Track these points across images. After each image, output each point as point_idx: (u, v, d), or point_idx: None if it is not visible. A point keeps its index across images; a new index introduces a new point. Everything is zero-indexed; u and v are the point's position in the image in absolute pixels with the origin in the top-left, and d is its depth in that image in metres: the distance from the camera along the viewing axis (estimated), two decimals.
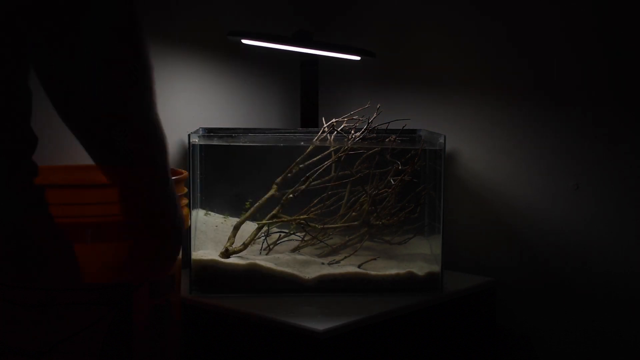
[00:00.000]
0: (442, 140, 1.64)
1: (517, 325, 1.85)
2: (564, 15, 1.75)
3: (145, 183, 0.96)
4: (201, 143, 1.70)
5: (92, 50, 0.90)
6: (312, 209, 1.75)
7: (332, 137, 1.72)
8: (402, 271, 1.65)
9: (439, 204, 1.69)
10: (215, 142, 1.74)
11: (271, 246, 1.73)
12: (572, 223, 1.76)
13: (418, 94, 2.01)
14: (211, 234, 1.73)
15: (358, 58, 1.88)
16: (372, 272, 1.65)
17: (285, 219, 1.71)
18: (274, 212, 1.69)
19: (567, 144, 1.76)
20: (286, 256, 1.68)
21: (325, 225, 1.75)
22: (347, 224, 1.76)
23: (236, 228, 1.68)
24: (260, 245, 1.72)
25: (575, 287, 1.77)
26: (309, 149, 1.72)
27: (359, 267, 1.67)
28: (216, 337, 1.57)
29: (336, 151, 1.71)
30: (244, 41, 1.77)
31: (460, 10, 1.92)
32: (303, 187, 1.70)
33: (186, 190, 1.52)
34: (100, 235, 1.20)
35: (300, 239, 1.76)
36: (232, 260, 1.63)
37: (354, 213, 1.76)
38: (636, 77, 1.66)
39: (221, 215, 1.80)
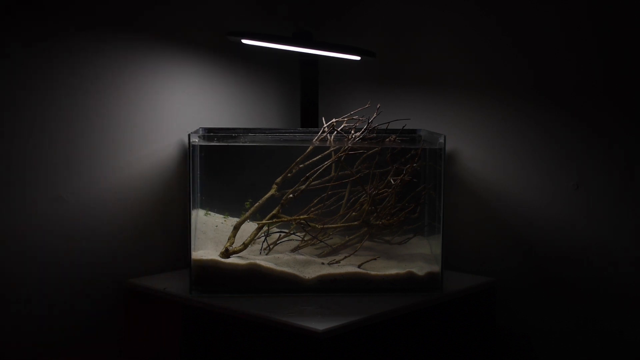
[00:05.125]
0: (442, 140, 1.64)
1: (517, 325, 1.85)
2: (563, 21, 1.75)
3: None
4: (201, 143, 1.70)
5: None
6: (312, 209, 1.75)
7: (332, 137, 1.72)
8: (402, 271, 1.65)
9: (439, 204, 1.69)
10: (215, 142, 1.74)
11: (271, 246, 1.73)
12: (571, 223, 1.76)
13: (418, 94, 2.01)
14: (211, 234, 1.73)
15: (358, 58, 1.88)
16: (372, 272, 1.65)
17: (285, 219, 1.71)
18: (274, 212, 1.69)
19: (566, 144, 1.76)
20: (286, 256, 1.68)
21: (325, 225, 1.75)
22: (347, 224, 1.76)
23: (236, 228, 1.68)
24: (260, 245, 1.72)
25: (575, 286, 1.77)
26: (309, 149, 1.72)
27: (359, 267, 1.67)
28: (216, 337, 1.57)
29: (336, 151, 1.71)
30: (244, 41, 1.77)
31: (461, 11, 1.92)
32: (303, 187, 1.70)
33: None
34: None
35: (300, 239, 1.76)
36: (232, 260, 1.63)
37: (354, 213, 1.76)
38: (632, 79, 1.66)
39: (221, 215, 1.80)
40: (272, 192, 1.70)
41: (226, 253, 1.64)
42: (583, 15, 1.73)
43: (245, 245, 1.66)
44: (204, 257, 1.62)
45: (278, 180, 1.71)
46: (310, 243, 1.75)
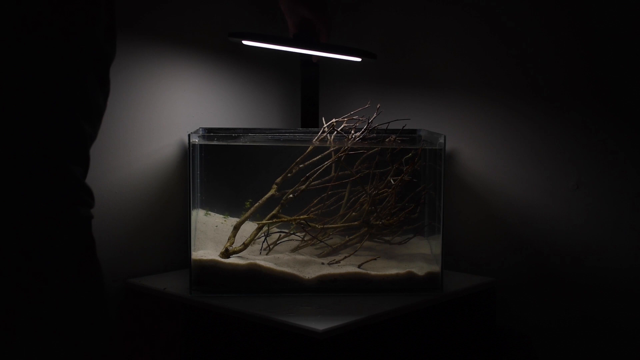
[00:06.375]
0: (442, 140, 1.64)
1: (517, 325, 1.86)
2: (562, 23, 1.75)
3: None
4: (201, 143, 1.70)
5: None
6: (312, 209, 1.75)
7: (332, 137, 1.72)
8: (402, 271, 1.66)
9: (439, 204, 1.69)
10: (215, 142, 1.74)
11: (271, 246, 1.73)
12: (572, 223, 1.76)
13: (418, 94, 2.01)
14: (211, 234, 1.73)
15: (359, 59, 1.88)
16: (372, 272, 1.65)
17: (285, 219, 1.71)
18: (274, 212, 1.69)
19: (567, 144, 1.76)
20: (286, 256, 1.68)
21: (325, 225, 1.75)
22: (347, 224, 1.76)
23: (236, 228, 1.68)
24: (260, 245, 1.72)
25: (575, 286, 1.77)
26: (309, 149, 1.72)
27: (359, 267, 1.67)
28: (216, 337, 1.57)
29: (336, 151, 1.71)
30: (245, 42, 1.77)
31: (460, 12, 1.92)
32: (303, 187, 1.70)
33: None
34: None
35: (300, 239, 1.76)
36: (232, 260, 1.63)
37: (354, 213, 1.76)
38: (633, 79, 1.66)
39: (221, 215, 1.80)
40: (272, 192, 1.71)
41: (226, 253, 1.65)
42: (582, 17, 1.73)
43: (245, 245, 1.66)
44: (204, 257, 1.62)
45: (278, 180, 1.71)
46: (310, 243, 1.75)
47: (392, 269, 1.67)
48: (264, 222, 1.69)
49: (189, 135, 1.62)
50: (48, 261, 0.94)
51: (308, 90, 2.03)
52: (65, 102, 0.96)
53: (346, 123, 1.77)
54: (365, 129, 1.71)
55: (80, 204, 0.98)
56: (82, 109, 0.98)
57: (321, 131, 1.75)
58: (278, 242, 1.75)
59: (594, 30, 1.71)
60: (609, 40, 1.69)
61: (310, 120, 2.03)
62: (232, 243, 1.66)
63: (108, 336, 1.03)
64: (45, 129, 0.93)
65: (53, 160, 0.94)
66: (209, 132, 1.79)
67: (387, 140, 1.72)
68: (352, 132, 1.73)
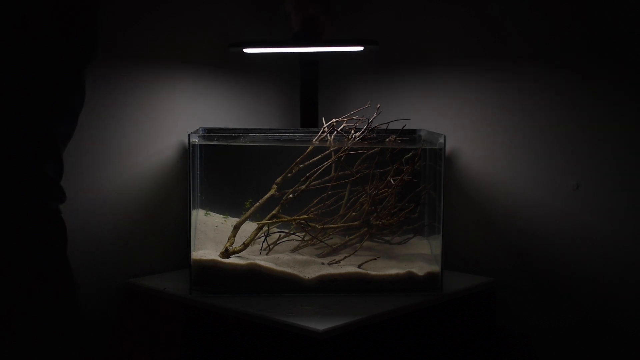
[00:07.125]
0: (442, 140, 1.64)
1: (517, 325, 1.85)
2: (564, 21, 1.75)
3: None
4: (201, 143, 1.70)
5: None
6: (312, 209, 1.75)
7: (332, 137, 1.72)
8: (402, 271, 1.65)
9: (439, 204, 1.69)
10: (215, 142, 1.74)
11: (271, 246, 1.73)
12: (572, 223, 1.76)
13: (418, 93, 2.01)
14: (211, 234, 1.73)
15: (361, 48, 1.86)
16: (372, 272, 1.65)
17: (285, 219, 1.71)
18: (274, 212, 1.69)
19: (567, 145, 1.76)
20: (286, 256, 1.68)
21: (325, 225, 1.75)
22: (347, 224, 1.76)
23: (236, 228, 1.68)
24: (260, 245, 1.72)
25: (575, 286, 1.77)
26: (308, 149, 1.72)
27: (359, 267, 1.67)
28: (216, 337, 1.57)
29: (336, 151, 1.71)
30: (246, 50, 1.77)
31: (460, 11, 1.92)
32: (303, 187, 1.70)
33: None
34: None
35: (300, 239, 1.76)
36: (232, 260, 1.63)
37: (354, 213, 1.76)
38: (634, 79, 1.66)
39: (221, 215, 1.80)
40: (272, 192, 1.70)
41: (226, 253, 1.64)
42: (582, 17, 1.73)
43: (245, 245, 1.66)
44: (204, 257, 1.62)
45: (278, 180, 1.71)
46: (310, 243, 1.75)
47: (392, 269, 1.67)
48: (264, 222, 1.69)
49: (189, 135, 1.61)
50: (19, 251, 0.99)
51: (308, 90, 2.03)
52: (36, 104, 1.00)
53: (346, 123, 1.77)
54: (365, 129, 1.71)
55: (49, 198, 1.04)
56: (54, 110, 1.03)
57: (321, 131, 1.75)
58: (278, 242, 1.75)
59: (600, 30, 1.71)
60: (611, 40, 1.69)
61: (309, 120, 2.03)
62: (232, 243, 1.66)
63: (78, 318, 1.08)
64: (15, 129, 0.98)
65: (22, 158, 1.00)
66: (209, 132, 1.79)
67: (387, 140, 1.72)
68: (352, 132, 1.73)
